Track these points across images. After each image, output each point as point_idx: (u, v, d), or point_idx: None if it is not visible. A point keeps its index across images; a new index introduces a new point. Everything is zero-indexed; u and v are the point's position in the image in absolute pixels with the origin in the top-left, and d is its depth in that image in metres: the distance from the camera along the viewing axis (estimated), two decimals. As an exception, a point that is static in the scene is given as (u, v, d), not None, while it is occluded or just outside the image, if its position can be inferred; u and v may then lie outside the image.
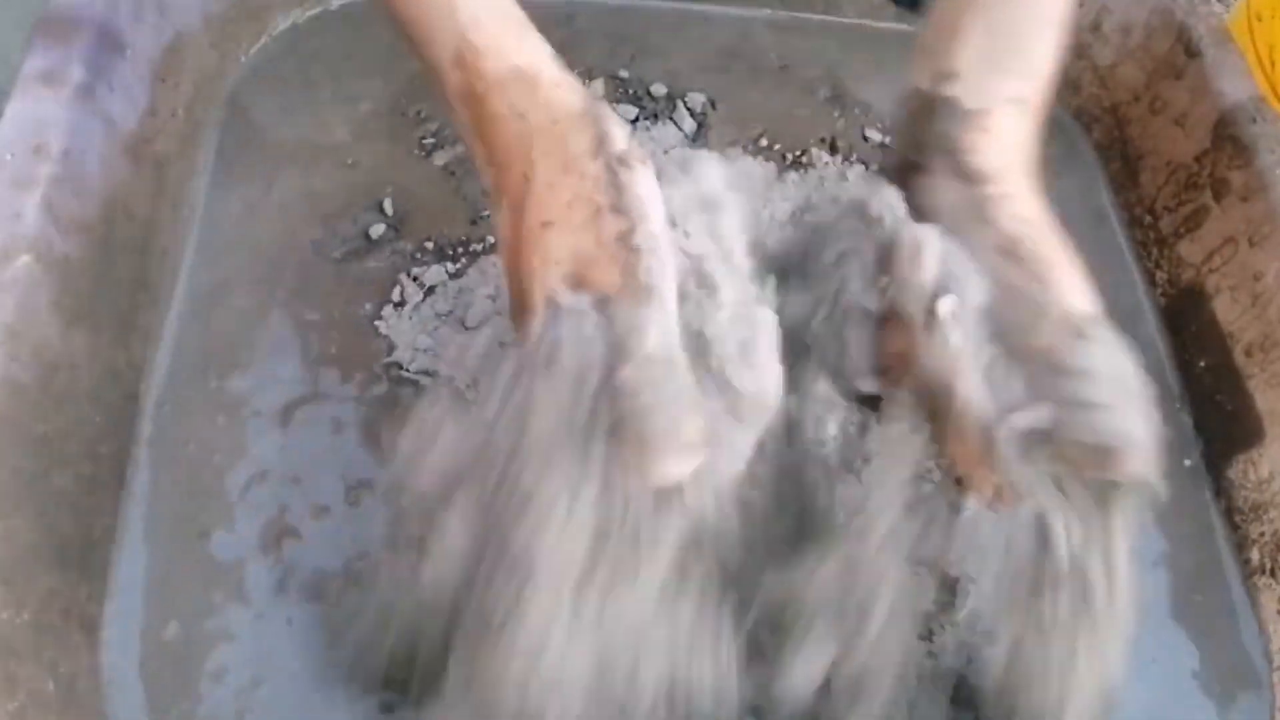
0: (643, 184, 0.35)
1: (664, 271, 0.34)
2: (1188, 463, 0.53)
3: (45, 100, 0.47)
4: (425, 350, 0.52)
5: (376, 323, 0.53)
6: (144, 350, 0.50)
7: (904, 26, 0.69)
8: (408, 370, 0.51)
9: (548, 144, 0.36)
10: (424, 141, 0.60)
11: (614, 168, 0.35)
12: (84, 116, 0.48)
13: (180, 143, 0.56)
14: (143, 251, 0.51)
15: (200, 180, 0.57)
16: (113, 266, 0.48)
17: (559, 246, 0.34)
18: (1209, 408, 0.55)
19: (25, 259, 0.43)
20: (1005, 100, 0.40)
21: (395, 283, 0.54)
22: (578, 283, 0.34)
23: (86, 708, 0.42)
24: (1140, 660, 0.47)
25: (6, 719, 0.38)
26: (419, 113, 0.61)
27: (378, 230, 0.56)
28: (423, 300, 0.54)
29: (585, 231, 0.34)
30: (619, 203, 0.34)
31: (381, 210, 0.57)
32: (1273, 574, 0.49)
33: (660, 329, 0.33)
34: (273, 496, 0.48)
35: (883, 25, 0.70)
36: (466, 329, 0.52)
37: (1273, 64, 0.74)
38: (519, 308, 0.36)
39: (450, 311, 0.53)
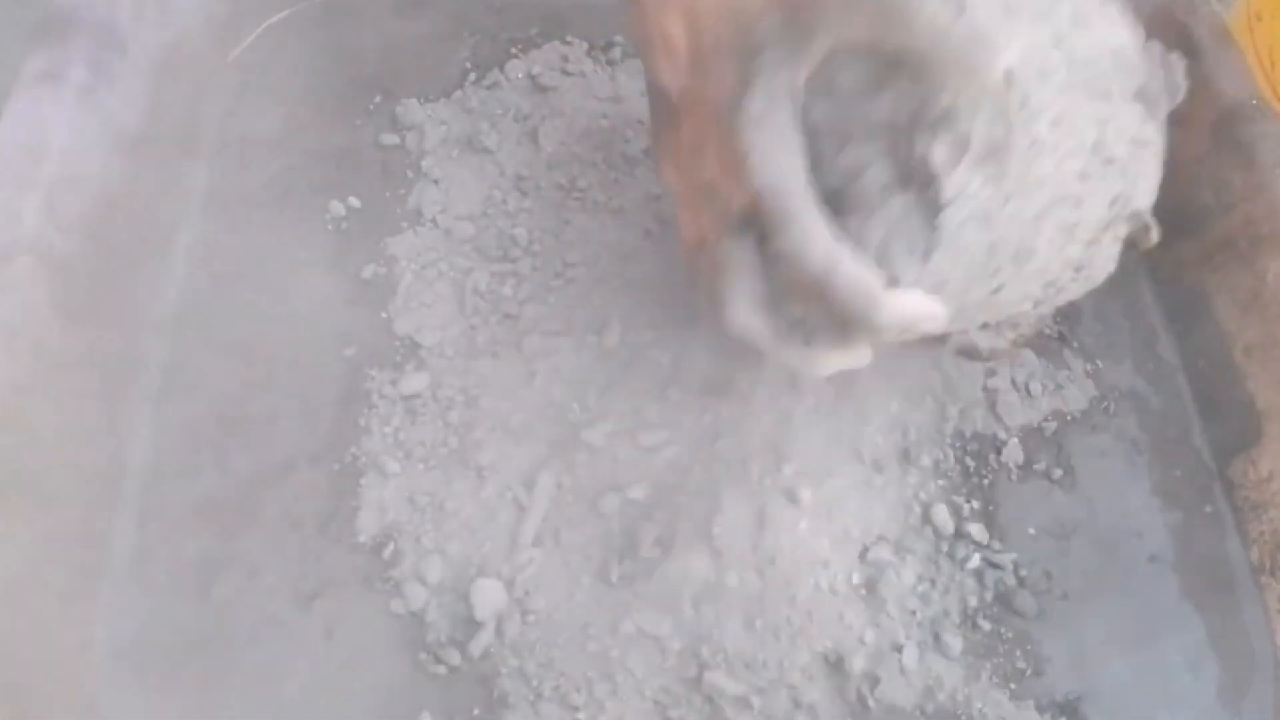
0: None
1: None
2: (1187, 462, 0.54)
3: (45, 100, 0.47)
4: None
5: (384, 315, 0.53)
6: (144, 350, 0.50)
7: None
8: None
9: None
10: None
11: None
12: (84, 116, 0.48)
13: (180, 143, 0.56)
14: (143, 251, 0.52)
15: (200, 180, 0.57)
16: (113, 266, 0.48)
17: None
18: (1209, 408, 0.55)
19: (25, 259, 0.43)
20: None
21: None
22: None
23: (86, 707, 0.42)
24: (1144, 658, 0.47)
25: (6, 719, 0.38)
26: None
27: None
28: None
29: None
30: None
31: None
32: (1273, 573, 0.49)
33: None
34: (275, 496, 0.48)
35: None
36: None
37: (1273, 64, 0.74)
38: None
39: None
